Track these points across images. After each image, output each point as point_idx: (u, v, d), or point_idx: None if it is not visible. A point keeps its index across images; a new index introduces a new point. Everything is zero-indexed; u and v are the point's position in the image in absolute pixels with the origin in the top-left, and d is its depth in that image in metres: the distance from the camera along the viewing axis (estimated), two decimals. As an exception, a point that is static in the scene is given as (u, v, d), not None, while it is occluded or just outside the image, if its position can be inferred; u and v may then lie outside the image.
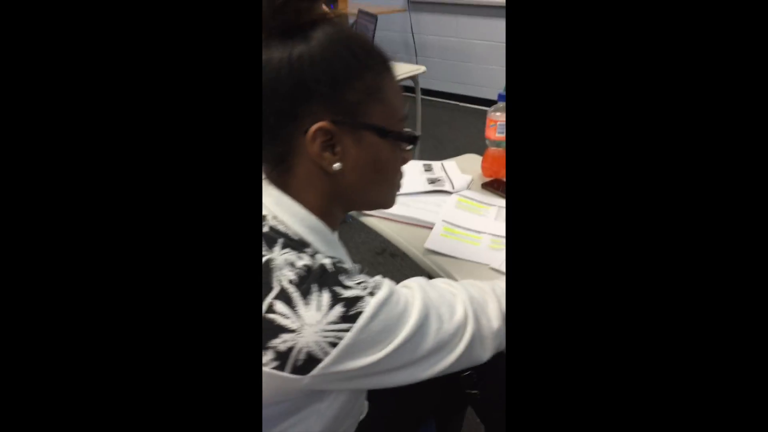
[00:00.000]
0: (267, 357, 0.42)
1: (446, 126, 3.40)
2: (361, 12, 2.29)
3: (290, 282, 0.43)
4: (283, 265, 0.44)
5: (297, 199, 0.49)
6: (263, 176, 0.51)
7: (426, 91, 3.48)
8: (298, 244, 0.47)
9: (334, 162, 0.48)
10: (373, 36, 2.13)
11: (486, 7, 3.43)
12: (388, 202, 0.56)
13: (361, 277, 0.46)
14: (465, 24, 3.64)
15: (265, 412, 0.46)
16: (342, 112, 0.47)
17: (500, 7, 3.34)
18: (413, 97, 2.29)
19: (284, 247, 0.46)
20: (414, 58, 3.84)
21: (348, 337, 0.42)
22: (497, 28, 3.48)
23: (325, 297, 0.43)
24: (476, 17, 3.55)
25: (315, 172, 0.49)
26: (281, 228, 0.48)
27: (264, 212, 0.49)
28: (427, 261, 0.79)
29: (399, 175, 0.56)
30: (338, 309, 0.42)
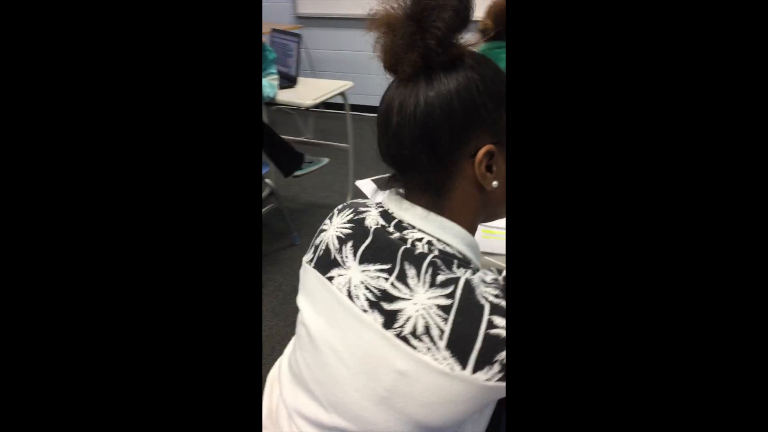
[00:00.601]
0: (492, 371, 0.45)
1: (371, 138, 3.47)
2: (276, 31, 2.25)
3: (496, 297, 0.47)
4: (479, 282, 0.48)
5: (454, 220, 0.53)
6: (412, 203, 0.54)
7: (337, 105, 3.54)
8: (466, 263, 0.51)
9: (493, 180, 0.52)
10: (299, 56, 2.13)
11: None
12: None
13: None
14: (354, 37, 3.75)
15: (443, 421, 0.48)
16: (499, 133, 0.51)
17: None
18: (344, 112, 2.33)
19: (459, 266, 0.50)
20: (313, 72, 3.86)
21: None
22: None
23: None
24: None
25: (472, 192, 0.53)
26: (449, 250, 0.51)
27: (426, 238, 0.52)
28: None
29: None
30: None
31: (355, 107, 3.93)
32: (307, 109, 1.92)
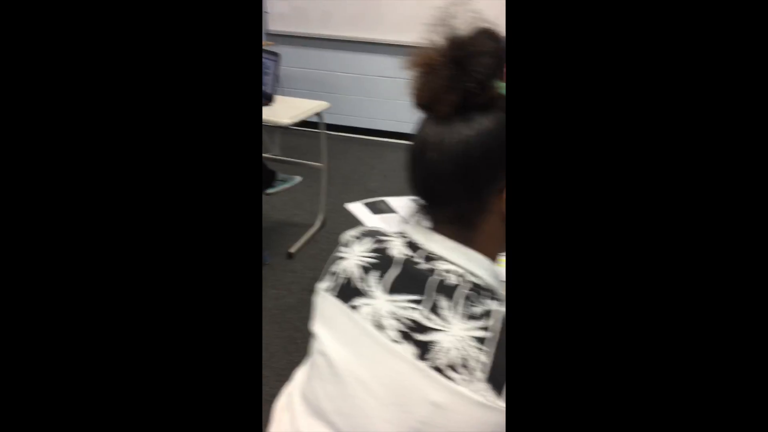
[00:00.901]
0: None
1: (350, 157, 3.46)
2: (253, 49, 2.24)
3: None
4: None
5: (481, 252, 0.54)
6: (441, 234, 0.55)
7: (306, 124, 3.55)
8: (494, 294, 0.52)
9: None
10: (278, 75, 2.12)
11: (349, 42, 3.63)
12: None
13: None
14: (326, 57, 3.78)
15: None
16: None
17: (363, 42, 3.58)
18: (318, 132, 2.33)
19: (490, 298, 0.51)
20: (281, 90, 3.85)
21: None
22: (361, 62, 3.70)
23: None
24: (339, 51, 3.73)
25: (498, 225, 0.54)
26: (479, 281, 0.52)
27: (457, 270, 0.53)
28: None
29: None
30: None
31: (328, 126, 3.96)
32: (284, 127, 1.91)
